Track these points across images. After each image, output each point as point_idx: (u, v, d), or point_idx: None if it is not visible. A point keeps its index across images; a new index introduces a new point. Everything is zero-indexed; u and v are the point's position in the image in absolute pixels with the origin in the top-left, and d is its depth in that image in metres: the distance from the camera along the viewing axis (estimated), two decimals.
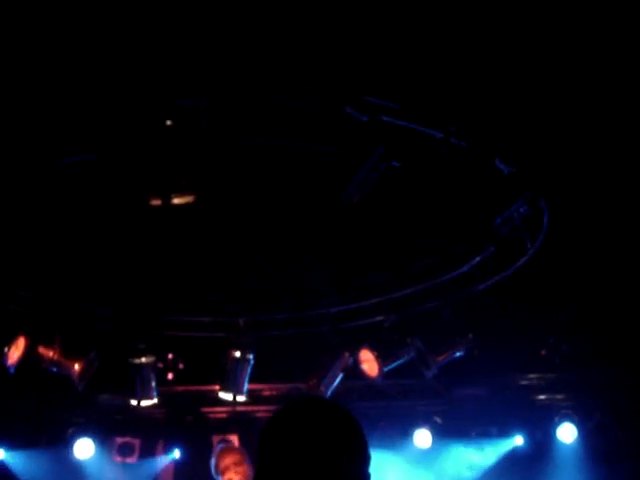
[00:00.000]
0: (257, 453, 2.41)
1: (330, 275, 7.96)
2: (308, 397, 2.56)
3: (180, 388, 9.46)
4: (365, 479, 2.37)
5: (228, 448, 7.29)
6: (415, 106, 5.46)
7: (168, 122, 4.89)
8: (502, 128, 5.70)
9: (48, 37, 4.75)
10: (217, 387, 8.87)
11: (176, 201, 5.10)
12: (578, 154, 6.02)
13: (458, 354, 8.36)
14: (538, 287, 7.90)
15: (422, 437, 9.41)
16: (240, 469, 6.22)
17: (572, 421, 9.48)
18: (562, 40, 5.10)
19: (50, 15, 4.67)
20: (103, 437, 9.30)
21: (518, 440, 9.63)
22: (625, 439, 9.48)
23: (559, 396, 9.78)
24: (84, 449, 9.13)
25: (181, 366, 9.37)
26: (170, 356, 9.23)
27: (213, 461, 6.45)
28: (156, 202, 5.13)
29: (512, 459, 9.60)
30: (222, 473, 6.27)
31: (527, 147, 5.84)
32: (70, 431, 9.19)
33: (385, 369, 8.33)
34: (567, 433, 9.47)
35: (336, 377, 8.66)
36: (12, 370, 7.77)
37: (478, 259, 7.44)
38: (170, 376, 9.33)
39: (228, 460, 6.31)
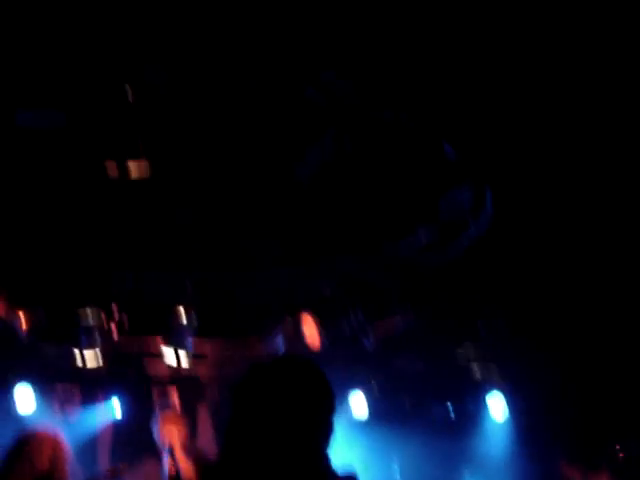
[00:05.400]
0: (230, 407, 2.59)
1: (277, 241, 8.08)
2: (281, 356, 2.89)
3: (123, 339, 9.52)
4: (329, 428, 2.60)
5: (169, 413, 7.48)
6: (369, 86, 5.60)
7: (127, 87, 4.95)
8: (452, 113, 5.87)
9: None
10: (160, 341, 8.98)
11: (132, 170, 5.18)
12: (524, 142, 6.22)
13: (397, 326, 8.56)
14: (480, 264, 8.11)
15: (358, 403, 9.67)
16: (179, 424, 6.44)
17: (502, 393, 9.80)
18: (508, 28, 5.26)
19: None
20: (44, 385, 9.35)
21: (449, 409, 9.95)
22: (553, 413, 9.83)
23: (492, 368, 10.07)
24: (24, 397, 9.18)
25: (125, 318, 9.43)
26: (115, 308, 9.27)
27: (155, 426, 6.65)
28: (112, 171, 5.21)
29: (443, 428, 9.92)
30: (164, 425, 6.48)
31: (475, 134, 6.02)
32: (10, 378, 9.24)
33: (326, 337, 8.52)
34: (497, 404, 9.80)
35: (277, 341, 8.84)
36: None
37: (422, 236, 7.62)
38: (114, 327, 9.39)
39: (169, 416, 6.52)
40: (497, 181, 6.53)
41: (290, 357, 2.72)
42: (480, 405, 9.87)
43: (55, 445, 6.52)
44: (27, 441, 6.48)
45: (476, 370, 10.00)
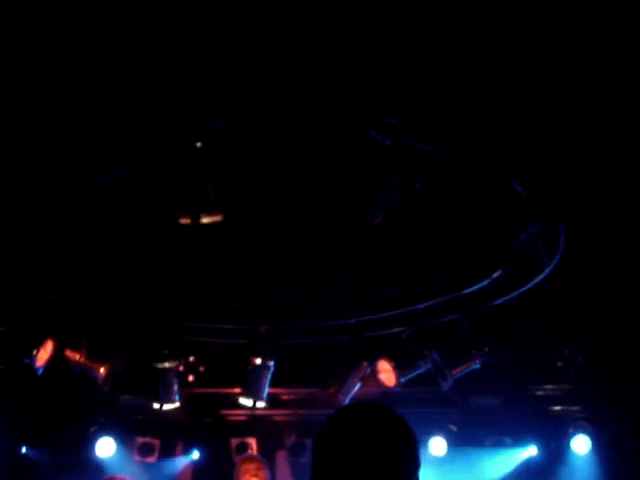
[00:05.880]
0: (312, 457, 2.49)
1: (351, 287, 8.10)
2: (362, 402, 2.69)
3: (200, 390, 9.60)
4: None
5: (249, 456, 7.56)
6: (436, 129, 5.61)
7: (198, 144, 5.05)
8: (521, 151, 5.83)
9: (81, 60, 4.92)
10: (237, 390, 9.04)
11: (205, 220, 5.27)
12: (596, 177, 6.14)
13: (474, 366, 8.46)
14: (555, 301, 8.00)
15: (437, 445, 9.56)
16: (261, 473, 6.55)
17: (586, 432, 9.56)
18: (581, 68, 5.22)
19: (86, 39, 4.85)
20: (124, 437, 9.48)
21: (532, 450, 9.73)
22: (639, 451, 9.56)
23: (574, 407, 9.84)
24: (105, 448, 9.32)
25: (202, 369, 9.52)
26: (191, 359, 9.37)
27: (235, 469, 6.74)
28: (185, 221, 5.31)
29: (526, 469, 9.71)
30: (243, 476, 6.56)
31: (545, 170, 5.97)
32: (92, 430, 9.38)
33: (402, 380, 8.46)
34: (581, 444, 9.55)
35: (354, 386, 8.79)
36: (40, 372, 7.98)
37: (496, 275, 7.56)
38: (191, 378, 9.48)
39: (250, 465, 6.61)
40: (570, 216, 6.45)
41: (372, 406, 2.53)
42: (562, 443, 9.63)
43: None
44: None
45: (558, 408, 9.81)
